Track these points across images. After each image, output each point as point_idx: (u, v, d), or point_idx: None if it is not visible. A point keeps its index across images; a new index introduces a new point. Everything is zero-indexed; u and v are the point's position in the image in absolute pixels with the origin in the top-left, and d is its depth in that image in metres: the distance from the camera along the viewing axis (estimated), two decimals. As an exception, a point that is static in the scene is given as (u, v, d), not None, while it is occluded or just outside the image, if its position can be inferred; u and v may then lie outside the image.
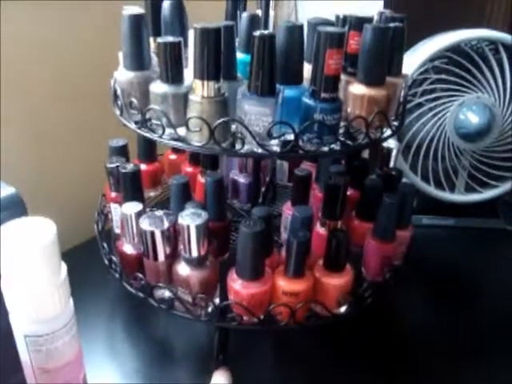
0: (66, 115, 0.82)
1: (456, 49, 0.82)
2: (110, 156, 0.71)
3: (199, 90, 0.51)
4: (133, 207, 0.60)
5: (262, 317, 0.56)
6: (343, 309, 0.60)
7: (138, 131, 0.56)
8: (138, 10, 0.59)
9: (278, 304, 0.56)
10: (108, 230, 0.72)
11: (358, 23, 0.58)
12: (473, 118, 0.81)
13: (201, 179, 0.76)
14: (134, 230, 0.60)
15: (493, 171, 0.89)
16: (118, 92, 0.57)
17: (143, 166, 0.77)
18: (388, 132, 0.58)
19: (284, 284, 0.56)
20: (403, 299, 0.73)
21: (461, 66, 0.82)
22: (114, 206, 0.68)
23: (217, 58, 0.50)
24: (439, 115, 0.83)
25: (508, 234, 0.91)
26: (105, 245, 0.65)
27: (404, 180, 0.87)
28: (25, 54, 0.75)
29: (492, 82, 0.81)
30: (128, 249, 0.61)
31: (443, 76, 0.83)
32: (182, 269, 0.57)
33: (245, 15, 0.66)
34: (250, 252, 0.54)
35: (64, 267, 0.47)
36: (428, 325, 0.69)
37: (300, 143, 0.52)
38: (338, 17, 0.67)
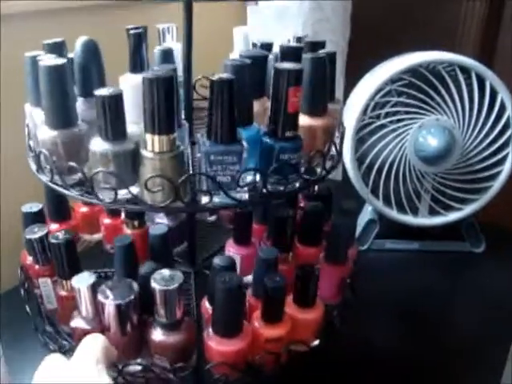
0: None
1: (415, 71, 0.79)
2: (25, 224, 0.60)
3: (153, 146, 0.46)
4: (83, 280, 0.52)
5: (245, 369, 0.53)
6: (317, 341, 0.60)
7: (82, 199, 0.48)
8: (53, 58, 0.51)
9: (263, 353, 0.54)
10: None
11: (291, 53, 0.57)
12: (432, 141, 0.78)
13: (127, 230, 0.69)
14: (90, 305, 0.52)
15: (456, 194, 0.85)
16: (46, 154, 0.49)
17: (56, 226, 0.68)
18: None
19: (266, 332, 0.54)
20: (367, 327, 0.69)
21: (420, 89, 0.79)
22: (42, 281, 0.59)
23: (170, 109, 0.46)
24: (401, 136, 0.80)
25: (474, 256, 0.89)
26: (48, 328, 0.56)
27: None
28: None
29: (451, 104, 0.79)
30: (81, 324, 0.53)
31: (403, 99, 0.80)
32: (158, 335, 0.51)
33: (157, 50, 0.62)
34: (230, 308, 0.51)
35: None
36: (393, 348, 0.67)
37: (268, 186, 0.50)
38: (255, 44, 0.66)
